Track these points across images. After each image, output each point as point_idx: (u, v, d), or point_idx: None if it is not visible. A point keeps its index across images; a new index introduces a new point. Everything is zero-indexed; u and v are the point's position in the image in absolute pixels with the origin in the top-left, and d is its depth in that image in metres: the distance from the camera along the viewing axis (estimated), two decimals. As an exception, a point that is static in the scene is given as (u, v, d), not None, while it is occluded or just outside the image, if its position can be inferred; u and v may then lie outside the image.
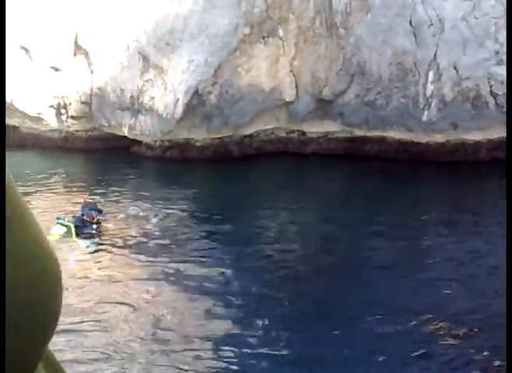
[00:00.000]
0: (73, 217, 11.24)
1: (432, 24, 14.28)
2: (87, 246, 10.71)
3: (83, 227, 11.03)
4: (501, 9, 14.02)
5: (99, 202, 12.37)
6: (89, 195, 12.60)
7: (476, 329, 7.87)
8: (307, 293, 9.12)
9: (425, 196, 13.46)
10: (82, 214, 11.10)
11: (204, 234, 11.61)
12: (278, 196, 13.48)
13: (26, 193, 13.78)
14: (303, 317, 8.28)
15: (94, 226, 11.08)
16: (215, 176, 15.11)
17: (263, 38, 15.26)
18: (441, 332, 7.83)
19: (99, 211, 11.53)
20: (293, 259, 10.44)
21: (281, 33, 15.23)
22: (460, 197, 12.50)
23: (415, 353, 7.50)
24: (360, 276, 9.58)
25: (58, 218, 11.05)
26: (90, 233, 11.03)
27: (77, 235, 10.90)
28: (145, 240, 11.17)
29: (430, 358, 7.51)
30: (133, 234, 11.42)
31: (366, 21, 14.59)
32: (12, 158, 17.65)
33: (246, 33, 15.20)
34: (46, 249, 0.58)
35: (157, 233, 11.57)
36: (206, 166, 15.55)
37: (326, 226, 11.70)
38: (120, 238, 11.22)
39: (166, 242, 11.07)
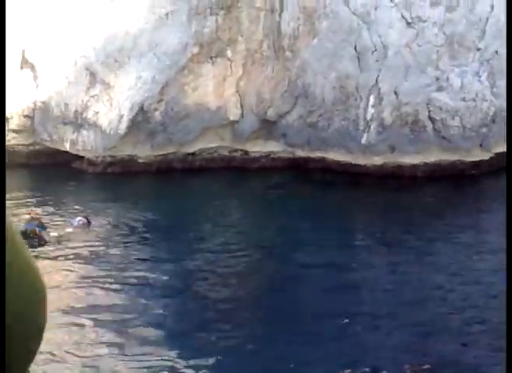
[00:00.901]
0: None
1: (376, 50, 14.77)
2: None
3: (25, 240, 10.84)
4: (443, 38, 14.65)
5: (41, 218, 12.10)
6: (34, 210, 12.43)
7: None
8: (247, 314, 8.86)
9: (364, 209, 13.51)
10: (26, 229, 11.05)
11: (141, 246, 11.31)
12: (219, 208, 13.31)
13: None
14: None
15: (36, 240, 11.09)
16: (157, 189, 14.92)
17: (211, 58, 15.48)
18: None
19: (43, 227, 11.51)
20: (231, 272, 10.19)
21: (229, 53, 15.50)
22: (397, 210, 12.65)
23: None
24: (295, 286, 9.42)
25: None
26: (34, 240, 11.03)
27: None
28: (82, 252, 10.93)
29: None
30: (72, 246, 11.16)
31: (312, 45, 15.00)
32: None
33: (195, 53, 15.40)
34: (35, 269, 0.68)
35: (95, 244, 11.31)
36: (148, 179, 15.36)
37: (265, 238, 11.52)
38: (60, 250, 11.00)
39: (103, 253, 10.88)
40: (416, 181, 13.87)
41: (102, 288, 9.30)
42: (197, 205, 13.73)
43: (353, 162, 14.73)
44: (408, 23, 14.46)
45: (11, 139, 17.02)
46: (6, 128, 17.05)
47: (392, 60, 14.52)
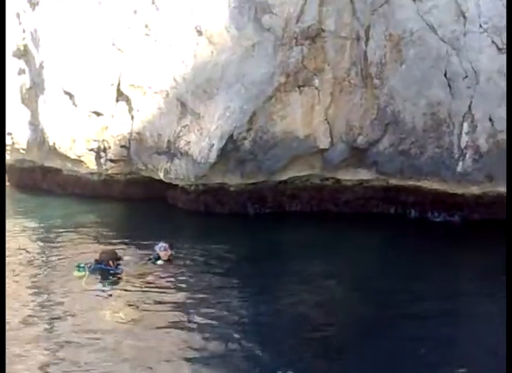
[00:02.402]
0: (96, 262, 11.50)
1: (467, 76, 14.30)
2: (103, 286, 11.09)
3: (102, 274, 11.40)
4: (538, 62, 13.94)
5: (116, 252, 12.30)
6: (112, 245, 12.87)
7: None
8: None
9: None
10: (101, 263, 11.45)
11: (225, 289, 11.21)
12: (307, 256, 12.72)
13: (60, 237, 14.20)
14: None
15: (113, 270, 11.44)
16: (248, 230, 14.89)
17: (298, 87, 15.49)
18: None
19: (118, 260, 11.77)
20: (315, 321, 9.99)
21: (316, 82, 15.45)
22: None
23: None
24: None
25: (78, 266, 11.45)
26: (110, 273, 11.40)
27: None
28: (163, 288, 11.10)
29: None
30: (152, 279, 11.44)
31: (400, 72, 14.71)
32: (52, 202, 18.04)
33: (281, 82, 15.46)
34: None
35: (179, 280, 11.53)
36: (239, 220, 15.42)
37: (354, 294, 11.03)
38: (137, 282, 11.33)
39: (187, 288, 11.07)
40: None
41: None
42: (285, 247, 13.43)
43: (449, 191, 14.45)
44: (500, 49, 13.91)
45: (109, 168, 17.86)
46: (106, 157, 17.89)
47: (485, 86, 14.02)
